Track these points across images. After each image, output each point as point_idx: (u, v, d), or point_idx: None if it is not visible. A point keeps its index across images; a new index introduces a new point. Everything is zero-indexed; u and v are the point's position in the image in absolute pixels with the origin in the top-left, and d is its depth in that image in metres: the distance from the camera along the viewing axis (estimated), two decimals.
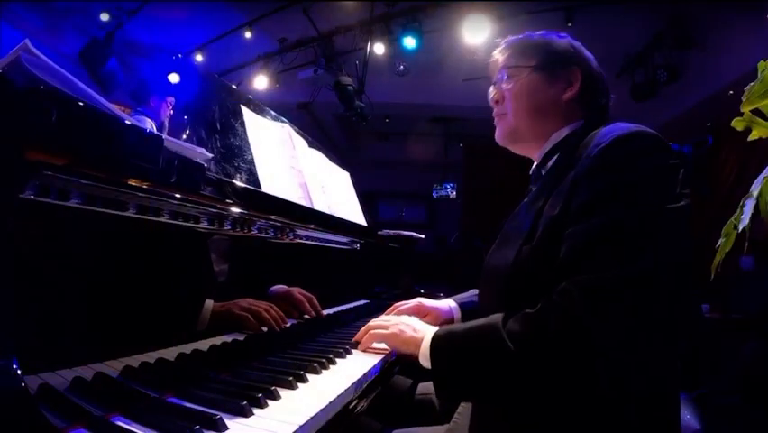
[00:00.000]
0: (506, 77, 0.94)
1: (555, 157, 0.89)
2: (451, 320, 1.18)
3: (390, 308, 1.23)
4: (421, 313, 1.17)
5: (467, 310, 1.19)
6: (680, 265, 0.69)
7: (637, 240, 0.66)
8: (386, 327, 0.94)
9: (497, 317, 0.73)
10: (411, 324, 0.92)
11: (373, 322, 1.00)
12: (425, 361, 0.81)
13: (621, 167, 0.70)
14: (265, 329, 0.91)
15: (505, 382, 0.70)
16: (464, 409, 0.98)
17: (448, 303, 1.22)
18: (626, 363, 0.67)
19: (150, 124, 2.49)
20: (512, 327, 0.70)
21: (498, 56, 0.99)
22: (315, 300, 1.13)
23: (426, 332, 0.85)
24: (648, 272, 0.65)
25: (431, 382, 0.80)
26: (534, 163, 0.96)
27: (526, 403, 0.72)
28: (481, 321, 0.76)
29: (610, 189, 0.69)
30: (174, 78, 2.57)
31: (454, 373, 0.77)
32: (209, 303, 0.81)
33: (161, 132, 2.46)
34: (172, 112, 2.66)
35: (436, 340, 0.80)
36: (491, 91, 0.99)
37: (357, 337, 1.00)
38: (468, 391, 0.78)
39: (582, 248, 0.68)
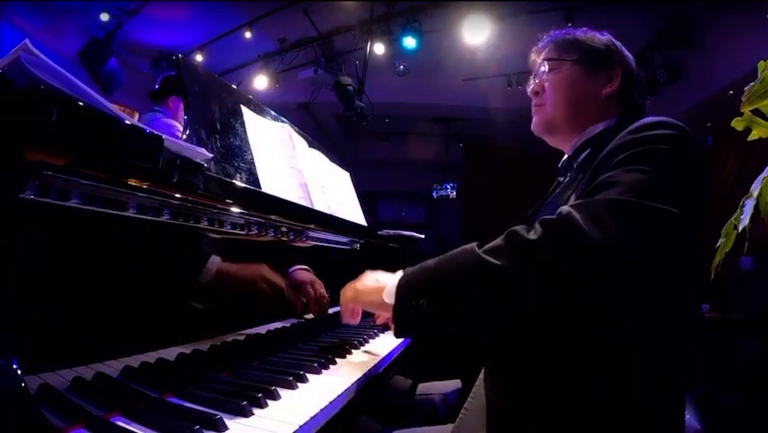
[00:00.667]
0: (546, 69, 0.96)
1: (587, 151, 0.90)
2: None
3: None
4: None
5: None
6: (686, 255, 0.69)
7: (655, 188, 0.64)
8: (350, 290, 0.90)
9: (471, 244, 0.69)
10: (373, 276, 0.87)
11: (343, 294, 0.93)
12: (388, 298, 0.75)
13: (646, 143, 0.70)
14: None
15: (484, 305, 0.63)
16: (472, 406, 0.97)
17: None
18: (625, 318, 0.65)
19: (176, 125, 2.45)
20: (494, 244, 0.66)
21: (537, 54, 1.00)
22: (324, 302, 1.14)
23: (395, 276, 0.78)
24: (661, 212, 0.62)
25: (431, 383, 0.79)
26: (566, 155, 0.97)
27: (506, 339, 0.68)
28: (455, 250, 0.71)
29: (633, 156, 0.69)
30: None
31: (425, 302, 0.68)
32: (215, 259, 0.79)
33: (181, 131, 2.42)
34: None
35: (405, 274, 0.74)
36: (531, 83, 1.01)
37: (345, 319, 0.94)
38: (437, 321, 0.68)
39: (595, 187, 0.67)
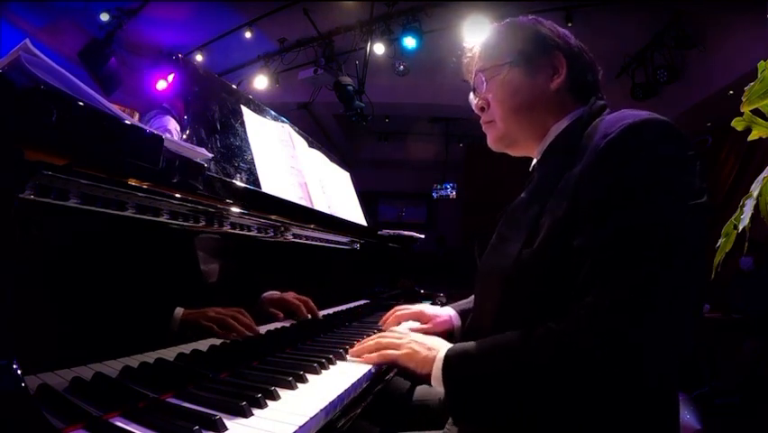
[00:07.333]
0: (484, 81, 0.87)
1: (553, 153, 0.83)
2: (450, 328, 1.15)
3: (391, 311, 1.23)
4: (422, 319, 1.17)
5: (467, 317, 1.14)
6: (702, 264, 0.67)
7: (661, 243, 0.61)
8: (398, 347, 0.85)
9: (514, 336, 0.68)
10: (424, 342, 0.83)
11: (384, 339, 0.89)
12: (437, 384, 0.74)
13: (633, 161, 0.64)
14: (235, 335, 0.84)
15: (532, 406, 0.64)
16: None
17: (447, 311, 1.19)
18: (660, 366, 0.64)
19: (174, 125, 2.45)
20: (539, 345, 0.64)
21: (469, 64, 0.93)
22: (312, 303, 1.12)
23: (440, 349, 0.77)
24: (679, 275, 0.61)
25: (428, 386, 0.77)
26: (535, 159, 0.90)
27: (551, 426, 0.66)
28: (497, 339, 0.70)
29: (624, 187, 0.63)
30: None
31: (472, 399, 0.70)
32: (179, 311, 0.75)
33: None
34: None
35: (449, 361, 0.73)
36: (472, 99, 0.92)
37: (359, 351, 0.89)
38: (488, 418, 0.70)
39: (605, 257, 0.62)
